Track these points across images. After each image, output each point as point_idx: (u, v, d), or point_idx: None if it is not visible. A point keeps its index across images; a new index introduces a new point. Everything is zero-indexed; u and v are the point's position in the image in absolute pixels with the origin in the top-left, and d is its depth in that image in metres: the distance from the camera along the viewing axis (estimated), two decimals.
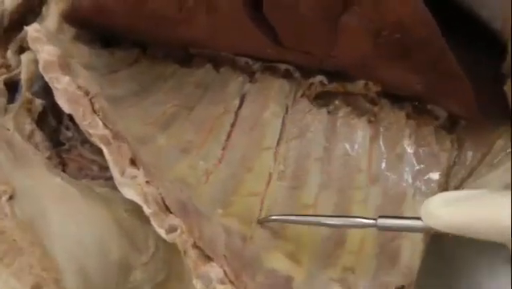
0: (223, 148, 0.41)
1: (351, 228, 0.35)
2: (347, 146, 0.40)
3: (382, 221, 0.31)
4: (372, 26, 0.35)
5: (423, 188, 0.38)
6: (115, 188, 0.33)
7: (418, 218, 0.29)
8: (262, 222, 0.37)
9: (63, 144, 0.42)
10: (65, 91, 0.34)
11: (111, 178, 0.34)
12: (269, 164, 0.40)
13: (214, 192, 0.38)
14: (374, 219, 0.31)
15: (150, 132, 0.40)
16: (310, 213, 0.38)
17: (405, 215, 0.37)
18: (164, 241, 0.31)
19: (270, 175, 0.39)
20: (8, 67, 0.43)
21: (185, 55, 0.45)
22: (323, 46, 0.37)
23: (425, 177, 0.39)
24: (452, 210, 0.26)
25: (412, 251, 0.35)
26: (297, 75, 0.43)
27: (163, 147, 0.39)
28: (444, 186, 0.39)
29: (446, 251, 0.41)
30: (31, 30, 0.36)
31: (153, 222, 0.31)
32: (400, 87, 0.40)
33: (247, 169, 0.40)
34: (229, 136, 0.41)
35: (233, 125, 0.42)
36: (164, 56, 0.46)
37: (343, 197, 0.39)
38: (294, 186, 0.39)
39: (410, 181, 0.39)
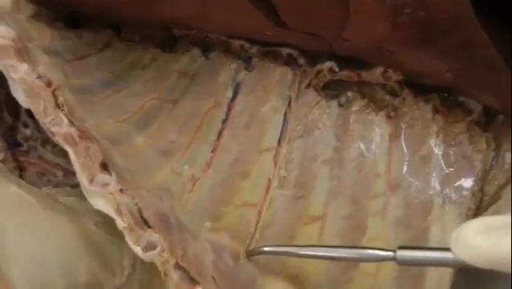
0: (213, 150, 0.41)
1: (365, 262, 0.35)
2: (362, 146, 0.41)
3: (402, 254, 0.30)
4: (391, 3, 0.35)
5: (453, 196, 0.39)
6: (82, 197, 0.34)
7: (447, 249, 0.27)
8: (250, 256, 0.36)
9: (21, 145, 0.42)
10: (23, 81, 0.35)
11: (78, 186, 0.34)
12: (268, 168, 0.41)
13: (202, 202, 0.38)
14: (392, 251, 0.31)
15: (125, 130, 0.40)
16: (318, 226, 0.39)
17: (431, 231, 0.37)
18: (142, 260, 0.31)
19: (270, 182, 0.40)
20: None
21: (168, 38, 0.46)
22: (333, 26, 0.38)
23: (456, 184, 0.39)
24: (494, 241, 0.24)
25: (439, 274, 0.36)
26: (302, 61, 0.43)
27: (140, 148, 0.40)
28: (478, 195, 0.39)
29: (482, 272, 0.42)
30: None
31: (128, 238, 0.31)
32: (425, 75, 0.40)
33: (242, 175, 0.40)
34: (220, 135, 0.42)
35: (225, 122, 0.42)
36: (141, 39, 0.46)
37: (357, 207, 0.39)
38: (299, 195, 0.40)
39: (438, 188, 0.39)
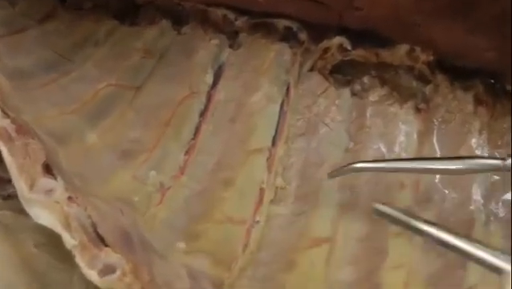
0: (188, 151, 0.43)
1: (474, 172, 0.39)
2: (383, 147, 0.43)
3: None
4: None
5: (500, 212, 0.41)
6: (19, 211, 0.35)
7: None
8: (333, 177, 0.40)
9: None
10: None
11: (12, 197, 0.36)
12: (259, 174, 0.42)
13: (173, 218, 0.40)
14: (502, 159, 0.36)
15: (74, 124, 0.42)
16: (324, 250, 0.40)
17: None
18: (97, 287, 0.32)
19: (262, 192, 0.42)
20: None
21: (127, 6, 0.48)
22: None
23: (504, 196, 0.41)
24: None
25: None
26: (303, 36, 0.46)
27: (93, 148, 0.42)
28: None
29: None
30: None
31: (79, 260, 0.32)
32: (462, 55, 0.43)
33: (225, 183, 0.42)
34: (197, 131, 0.44)
35: (203, 115, 0.44)
36: (93, 7, 0.48)
37: (376, 226, 0.41)
38: (300, 211, 0.42)
39: (480, 201, 0.41)
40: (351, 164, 0.40)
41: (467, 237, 0.36)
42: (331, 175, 0.41)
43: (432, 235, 0.35)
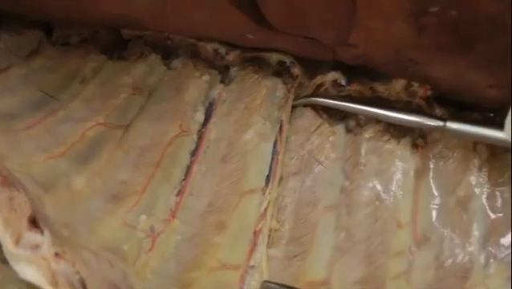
0: (179, 193, 0.43)
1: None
2: (379, 186, 0.43)
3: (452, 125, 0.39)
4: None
5: (499, 254, 0.40)
6: (5, 262, 0.34)
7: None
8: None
9: None
10: None
11: None
12: (253, 217, 0.42)
13: (165, 266, 0.40)
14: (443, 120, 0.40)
15: (61, 169, 0.41)
16: None
17: None
18: None
19: (256, 235, 0.42)
20: None
21: (116, 40, 0.48)
22: (335, 28, 0.40)
23: (504, 237, 0.40)
24: None
25: None
26: (297, 70, 0.45)
27: (81, 193, 0.41)
28: None
29: None
30: None
31: None
32: (462, 91, 0.42)
33: (218, 226, 0.42)
34: (188, 172, 0.44)
35: (194, 155, 0.44)
36: (80, 42, 0.48)
37: (373, 268, 0.41)
38: (295, 254, 0.41)
39: (480, 242, 0.41)
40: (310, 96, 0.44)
41: None
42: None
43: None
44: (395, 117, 0.42)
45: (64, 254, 0.34)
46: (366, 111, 0.43)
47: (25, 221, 0.35)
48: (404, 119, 0.42)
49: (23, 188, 0.36)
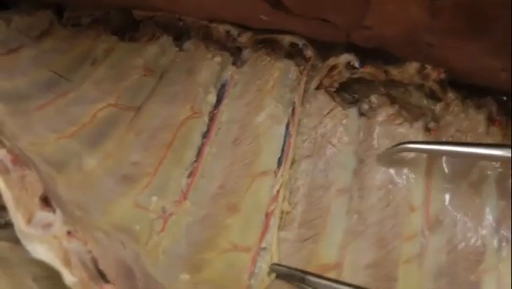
0: (190, 175, 0.43)
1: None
2: (391, 169, 0.43)
3: None
4: None
5: None
6: (17, 242, 0.34)
7: None
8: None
9: None
10: None
11: (10, 226, 0.36)
12: (265, 200, 0.42)
13: (176, 246, 0.40)
14: None
15: (72, 149, 0.41)
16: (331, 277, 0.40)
17: (483, 286, 0.39)
18: None
19: (268, 217, 0.41)
20: None
21: (127, 22, 0.48)
22: (350, 11, 0.40)
23: None
24: None
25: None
26: (310, 53, 0.45)
27: (93, 174, 0.41)
28: None
29: None
30: None
31: None
32: (475, 74, 0.42)
33: (230, 208, 0.41)
34: (199, 154, 0.44)
35: (206, 136, 0.44)
36: (91, 23, 0.48)
37: (385, 252, 0.41)
38: (306, 236, 0.41)
39: (493, 225, 0.41)
40: (401, 143, 0.41)
41: None
42: (381, 158, 0.42)
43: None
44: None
45: (76, 232, 0.34)
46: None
47: (36, 200, 0.35)
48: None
49: (35, 166, 0.36)
